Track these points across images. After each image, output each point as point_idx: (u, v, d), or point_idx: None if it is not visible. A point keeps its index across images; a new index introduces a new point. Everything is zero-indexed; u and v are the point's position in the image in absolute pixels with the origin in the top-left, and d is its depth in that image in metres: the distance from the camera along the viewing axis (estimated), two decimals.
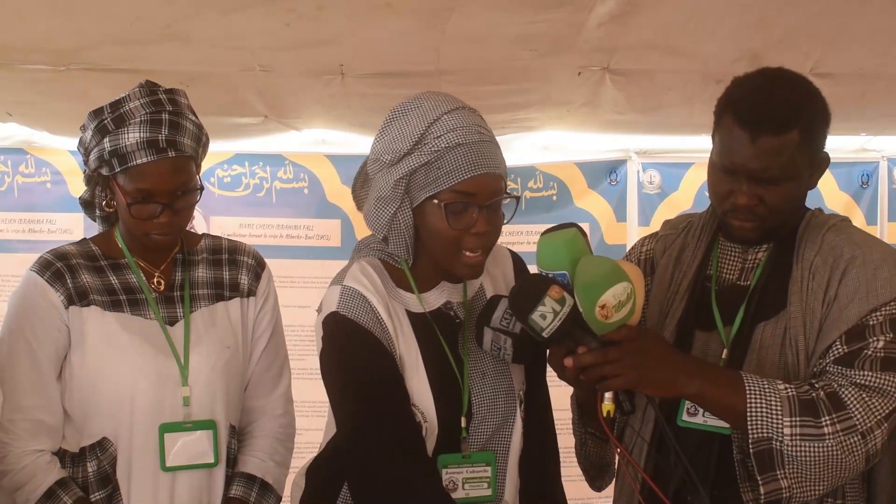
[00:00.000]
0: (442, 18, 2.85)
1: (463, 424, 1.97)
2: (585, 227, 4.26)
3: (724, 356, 1.96)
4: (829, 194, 4.31)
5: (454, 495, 1.94)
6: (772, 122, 1.86)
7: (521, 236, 4.29)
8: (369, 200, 2.01)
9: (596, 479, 2.20)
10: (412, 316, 1.99)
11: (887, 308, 1.85)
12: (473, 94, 3.55)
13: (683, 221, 2.18)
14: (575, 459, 2.23)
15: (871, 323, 1.85)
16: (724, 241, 2.06)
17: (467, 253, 1.92)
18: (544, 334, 1.78)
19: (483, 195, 1.90)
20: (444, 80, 3.33)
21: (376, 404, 1.91)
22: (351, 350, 1.94)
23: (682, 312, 2.04)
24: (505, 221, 1.98)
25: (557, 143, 4.35)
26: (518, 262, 2.18)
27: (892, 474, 1.94)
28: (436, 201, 1.90)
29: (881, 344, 1.83)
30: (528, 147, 4.37)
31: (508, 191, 1.96)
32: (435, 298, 2.03)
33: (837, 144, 4.29)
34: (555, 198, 4.39)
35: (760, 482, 1.81)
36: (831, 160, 4.55)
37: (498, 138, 4.62)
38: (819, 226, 1.99)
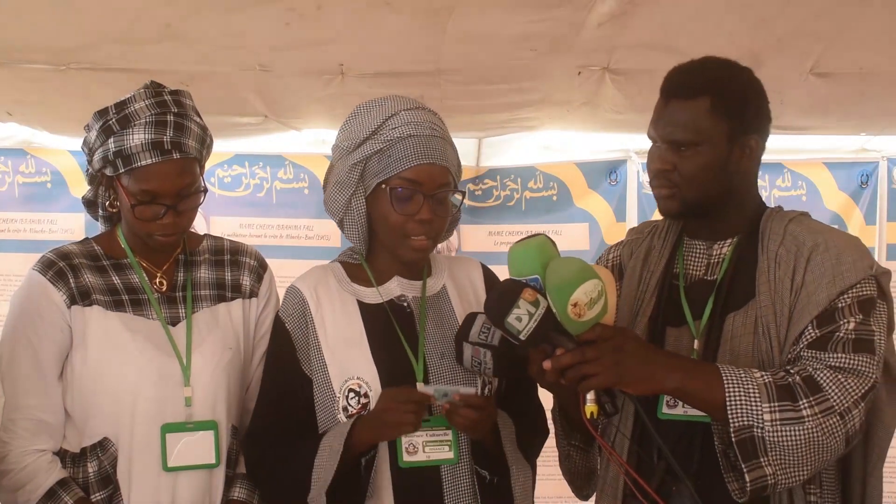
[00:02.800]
0: (442, 18, 2.85)
1: (420, 390, 2.05)
2: (585, 227, 4.32)
3: (696, 347, 1.99)
4: (827, 194, 4.31)
5: (415, 458, 2.03)
6: (682, 87, 1.98)
7: (520, 236, 4.29)
8: (329, 185, 2.17)
9: (583, 489, 2.24)
10: (363, 305, 2.14)
11: (854, 290, 1.89)
12: (473, 93, 3.57)
13: (648, 226, 2.23)
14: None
15: (840, 306, 1.89)
16: (689, 239, 2.11)
17: (412, 238, 2.08)
18: (521, 336, 1.80)
19: (428, 185, 2.06)
20: (443, 79, 3.33)
21: (270, 416, 2.15)
22: (272, 354, 2.20)
23: (653, 310, 2.08)
24: (456, 209, 2.16)
25: (557, 143, 4.36)
26: (488, 273, 2.28)
27: (863, 458, 1.98)
28: (384, 187, 2.07)
29: (852, 326, 1.88)
30: (528, 147, 4.37)
31: (457, 186, 2.13)
32: (388, 290, 2.16)
33: (837, 144, 4.31)
34: (555, 198, 4.40)
35: (745, 470, 1.82)
36: (831, 160, 4.56)
37: (498, 138, 4.63)
38: (780, 219, 2.04)
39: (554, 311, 1.79)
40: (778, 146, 4.31)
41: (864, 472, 1.99)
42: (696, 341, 2.00)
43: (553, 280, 1.80)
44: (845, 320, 1.88)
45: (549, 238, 1.90)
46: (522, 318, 1.79)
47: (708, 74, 2.00)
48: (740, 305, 1.98)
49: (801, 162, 4.35)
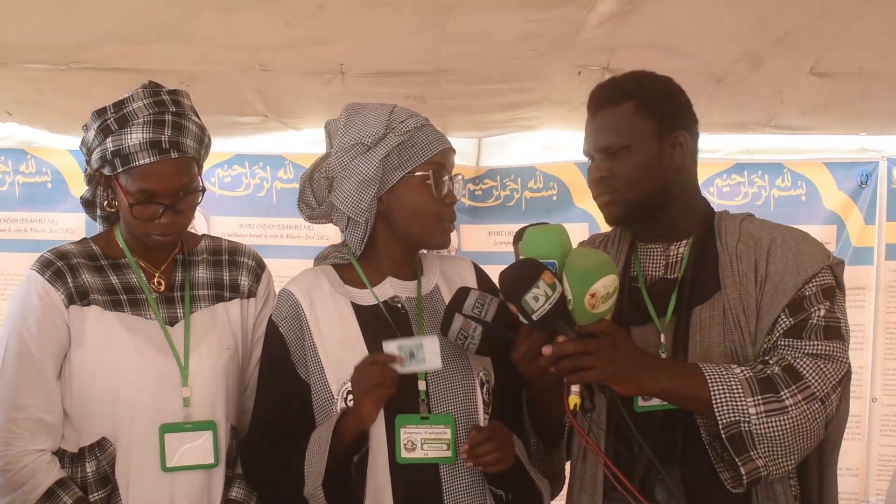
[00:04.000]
0: (442, 17, 2.85)
1: (421, 388, 2.05)
2: (584, 227, 4.32)
3: (663, 342, 2.02)
4: (827, 194, 4.32)
5: (412, 455, 2.02)
6: (607, 96, 2.06)
7: None
8: (347, 186, 2.11)
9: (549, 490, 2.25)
10: (357, 307, 2.13)
11: (817, 279, 1.96)
12: (473, 92, 3.57)
13: (599, 237, 2.27)
14: None
15: (807, 294, 1.94)
16: (643, 244, 2.14)
17: (447, 223, 2.12)
18: (534, 317, 1.82)
19: (449, 167, 2.13)
20: (443, 78, 3.34)
21: (267, 422, 2.15)
22: (266, 359, 2.19)
23: (615, 311, 2.08)
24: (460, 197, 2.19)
25: (557, 143, 4.37)
26: (480, 272, 2.28)
27: (818, 450, 2.00)
28: (418, 174, 2.08)
29: (822, 313, 1.94)
30: (528, 147, 4.38)
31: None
32: (382, 292, 2.16)
33: (837, 144, 4.31)
34: (555, 198, 4.40)
35: (739, 464, 1.86)
36: (831, 160, 4.55)
37: (498, 138, 4.62)
38: (733, 219, 2.10)
39: (568, 298, 1.82)
40: (778, 146, 4.32)
41: (820, 464, 2.02)
42: (662, 336, 2.03)
43: (576, 267, 1.82)
44: (815, 308, 1.93)
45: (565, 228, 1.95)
46: (539, 299, 1.80)
47: (629, 81, 2.09)
48: (705, 299, 2.01)
49: (800, 162, 4.35)
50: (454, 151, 2.16)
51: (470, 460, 1.97)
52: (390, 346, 1.97)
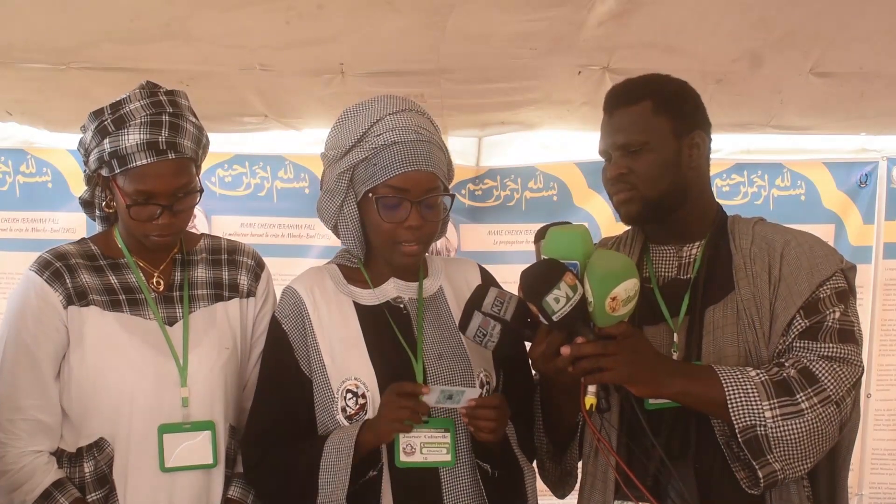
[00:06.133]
0: (442, 16, 2.85)
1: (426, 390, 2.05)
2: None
3: (675, 341, 2.03)
4: (826, 193, 4.32)
5: (411, 459, 2.03)
6: (624, 96, 2.07)
7: (520, 235, 4.30)
8: (321, 193, 2.17)
9: (558, 488, 2.26)
10: (359, 307, 2.14)
11: (831, 282, 1.97)
12: (473, 92, 3.57)
13: (611, 239, 2.27)
14: None
15: (821, 296, 1.96)
16: (655, 245, 2.15)
17: (403, 245, 2.07)
18: (554, 318, 1.82)
19: (415, 191, 2.05)
20: (444, 78, 3.34)
21: (269, 417, 2.14)
22: (269, 355, 2.20)
23: None
24: (442, 216, 2.15)
25: (557, 143, 4.36)
26: (485, 274, 2.28)
27: (829, 454, 1.99)
28: (371, 195, 2.06)
29: (837, 315, 1.95)
30: (528, 147, 4.37)
31: (448, 188, 2.13)
32: (385, 292, 2.17)
33: (837, 144, 4.31)
34: (555, 198, 4.40)
35: (757, 467, 1.87)
36: (830, 160, 4.56)
37: (498, 138, 4.62)
38: (746, 222, 2.12)
39: (589, 299, 1.82)
40: (778, 146, 4.32)
41: (832, 467, 2.02)
42: (675, 335, 2.03)
43: (598, 270, 1.83)
44: (830, 310, 1.94)
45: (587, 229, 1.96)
46: (560, 300, 1.81)
47: (645, 82, 2.10)
48: (719, 299, 2.02)
49: (800, 162, 4.35)
50: (429, 171, 2.06)
51: (466, 417, 1.99)
52: (435, 389, 1.99)
